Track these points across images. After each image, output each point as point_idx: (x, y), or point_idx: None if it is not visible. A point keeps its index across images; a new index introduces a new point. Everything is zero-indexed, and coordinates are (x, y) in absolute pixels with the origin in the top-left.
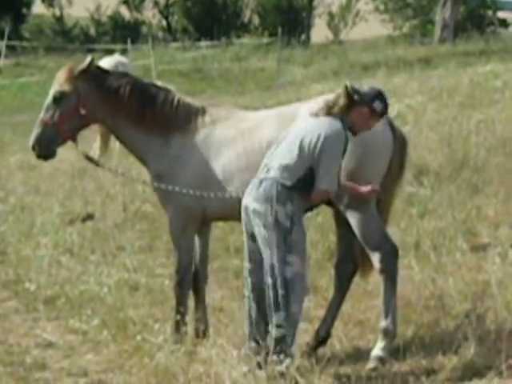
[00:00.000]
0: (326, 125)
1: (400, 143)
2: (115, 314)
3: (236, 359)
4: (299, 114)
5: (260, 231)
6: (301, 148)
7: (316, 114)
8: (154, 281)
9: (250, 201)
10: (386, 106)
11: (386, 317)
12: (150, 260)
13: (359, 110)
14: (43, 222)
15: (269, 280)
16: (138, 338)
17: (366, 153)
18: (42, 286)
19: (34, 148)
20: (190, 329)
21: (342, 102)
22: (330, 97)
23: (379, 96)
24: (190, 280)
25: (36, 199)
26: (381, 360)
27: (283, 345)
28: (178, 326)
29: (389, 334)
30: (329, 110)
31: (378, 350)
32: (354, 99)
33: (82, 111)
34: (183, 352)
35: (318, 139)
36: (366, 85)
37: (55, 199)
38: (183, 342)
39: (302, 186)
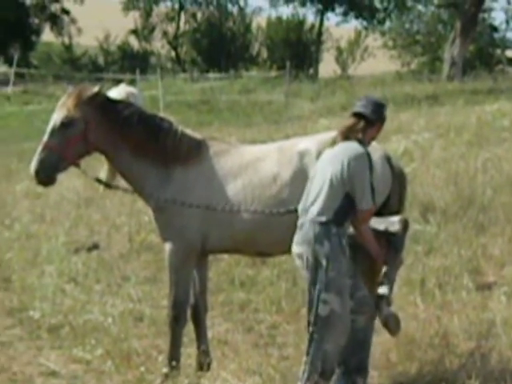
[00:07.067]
0: (346, 150)
1: (399, 179)
2: (119, 345)
3: None
4: (298, 147)
5: (303, 273)
6: (331, 181)
7: (333, 144)
8: (158, 312)
9: (294, 246)
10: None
11: None
12: (155, 291)
13: (379, 126)
14: (48, 250)
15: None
16: (142, 368)
17: None
18: (46, 315)
19: (37, 173)
20: (193, 361)
21: (360, 125)
22: (326, 135)
23: (383, 106)
24: (186, 315)
25: (41, 227)
26: None
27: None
28: (173, 360)
29: None
30: (344, 136)
31: None
32: (373, 120)
33: (90, 138)
34: None
35: (343, 166)
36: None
37: (61, 228)
38: (178, 375)
39: (340, 218)
